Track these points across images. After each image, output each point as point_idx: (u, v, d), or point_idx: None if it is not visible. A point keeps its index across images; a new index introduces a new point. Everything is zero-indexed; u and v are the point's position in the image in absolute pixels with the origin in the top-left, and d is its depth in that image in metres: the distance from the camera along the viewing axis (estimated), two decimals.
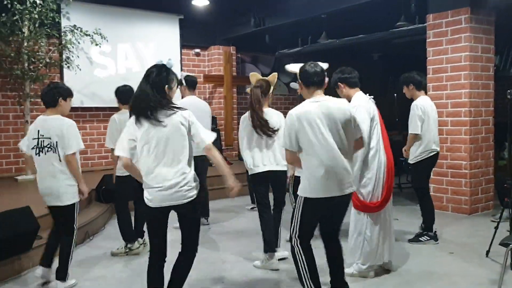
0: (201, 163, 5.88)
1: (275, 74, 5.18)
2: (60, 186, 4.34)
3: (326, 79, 3.83)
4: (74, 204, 4.44)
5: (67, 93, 4.51)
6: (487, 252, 5.06)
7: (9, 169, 9.17)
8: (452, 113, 7.15)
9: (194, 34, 11.39)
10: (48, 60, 8.80)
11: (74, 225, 4.48)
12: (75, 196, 4.44)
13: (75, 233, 4.49)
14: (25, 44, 8.44)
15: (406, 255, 5.23)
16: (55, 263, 4.52)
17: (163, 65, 3.52)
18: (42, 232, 5.13)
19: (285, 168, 5.01)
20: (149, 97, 3.39)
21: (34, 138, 4.37)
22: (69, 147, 4.31)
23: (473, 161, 7.07)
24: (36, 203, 5.12)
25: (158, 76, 3.46)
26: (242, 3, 10.22)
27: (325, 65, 3.92)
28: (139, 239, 5.57)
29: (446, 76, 7.18)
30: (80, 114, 9.49)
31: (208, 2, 10.06)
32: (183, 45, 11.23)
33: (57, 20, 8.73)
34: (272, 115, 4.96)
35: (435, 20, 7.33)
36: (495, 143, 7.51)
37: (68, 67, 9.02)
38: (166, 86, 3.47)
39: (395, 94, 9.89)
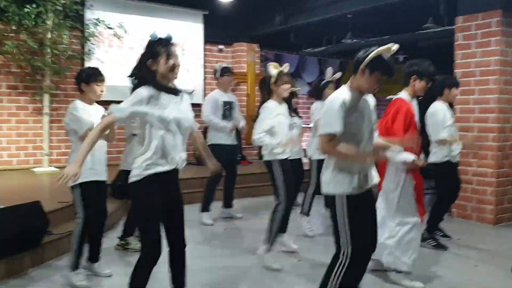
0: None
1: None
2: None
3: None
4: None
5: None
6: None
7: (27, 160, 9.16)
8: (479, 118, 6.91)
9: (218, 30, 11.28)
10: (70, 53, 8.78)
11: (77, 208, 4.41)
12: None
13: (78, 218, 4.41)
14: (49, 36, 8.43)
15: (427, 266, 5.04)
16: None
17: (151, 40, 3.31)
18: (54, 228, 5.06)
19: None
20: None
21: None
22: None
23: (500, 169, 6.83)
24: (49, 197, 5.05)
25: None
26: (268, 1, 10.08)
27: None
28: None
29: (474, 81, 6.95)
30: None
31: None
32: (206, 41, 11.15)
33: (80, 12, 8.70)
34: None
35: (464, 22, 7.09)
36: None
37: (90, 59, 9.00)
38: (150, 60, 3.25)
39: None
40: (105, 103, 4.25)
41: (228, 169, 6.90)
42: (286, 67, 5.07)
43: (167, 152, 3.20)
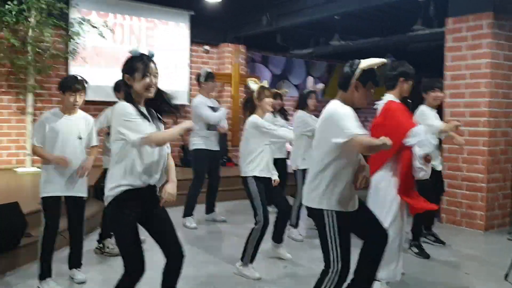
0: None
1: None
2: None
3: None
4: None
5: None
6: (506, 275, 4.73)
7: (9, 160, 8.95)
8: (470, 122, 6.83)
9: (204, 31, 11.14)
10: (53, 52, 8.60)
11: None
12: None
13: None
14: (31, 33, 8.25)
15: (417, 273, 4.92)
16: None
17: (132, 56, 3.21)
18: (33, 230, 4.89)
19: None
20: None
21: None
22: None
23: (490, 174, 6.74)
24: (29, 198, 4.92)
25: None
26: (254, 1, 9.96)
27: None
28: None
29: (465, 84, 6.86)
30: (84, 108, 9.23)
31: None
32: (192, 42, 10.99)
33: (65, 11, 8.54)
34: None
35: (454, 24, 7.01)
36: None
37: (74, 59, 8.83)
38: (126, 75, 3.16)
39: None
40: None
41: (210, 174, 6.98)
42: (265, 83, 5.10)
43: (142, 169, 3.11)
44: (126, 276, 3.13)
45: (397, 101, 4.37)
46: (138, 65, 3.12)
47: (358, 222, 3.35)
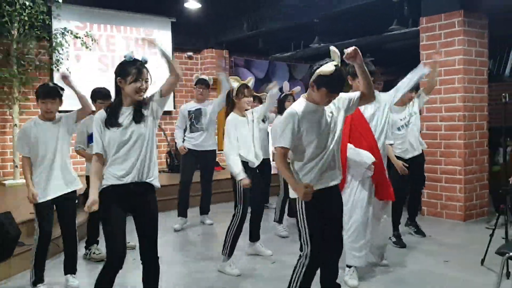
0: None
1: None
2: None
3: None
4: None
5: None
6: (482, 261, 4.95)
7: None
8: (446, 117, 7.07)
9: (187, 37, 11.29)
10: (37, 63, 8.69)
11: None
12: None
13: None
14: (14, 46, 8.33)
15: (399, 262, 5.13)
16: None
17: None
18: (25, 239, 4.99)
19: None
20: None
21: None
22: None
23: (467, 166, 6.99)
24: (21, 208, 4.98)
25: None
26: (235, 7, 10.11)
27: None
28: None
29: (440, 80, 7.08)
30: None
31: (200, 5, 9.95)
32: (175, 48, 11.13)
33: (47, 22, 8.61)
34: None
35: (428, 23, 7.25)
36: (489, 148, 7.44)
37: (58, 70, 8.91)
38: (119, 78, 3.35)
39: None
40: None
41: (201, 175, 7.13)
42: (250, 81, 5.17)
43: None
44: (107, 263, 3.32)
45: None
46: (131, 69, 3.31)
47: (324, 218, 3.45)
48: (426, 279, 4.69)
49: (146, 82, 3.37)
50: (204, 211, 7.23)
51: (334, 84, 3.24)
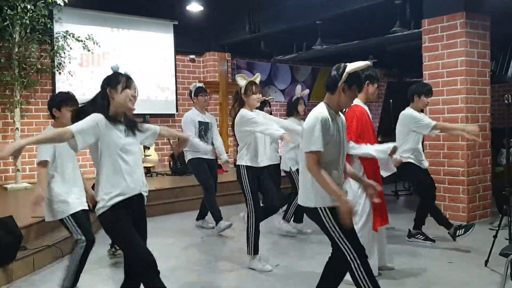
0: None
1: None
2: None
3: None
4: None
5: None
6: (486, 262, 4.94)
7: None
8: (448, 119, 7.05)
9: (189, 40, 11.31)
10: (39, 66, 8.70)
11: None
12: None
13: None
14: (16, 50, 8.34)
15: (402, 264, 5.11)
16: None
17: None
18: (28, 243, 4.98)
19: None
20: None
21: None
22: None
23: (470, 167, 6.97)
24: (23, 213, 4.96)
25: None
26: (237, 9, 10.13)
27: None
28: None
29: (442, 82, 7.08)
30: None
31: (202, 8, 9.96)
32: (177, 51, 11.15)
33: (49, 25, 8.59)
34: None
35: (430, 25, 7.25)
36: (492, 149, 7.42)
37: (60, 73, 8.94)
38: (108, 88, 3.31)
39: (391, 100, 9.85)
40: None
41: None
42: (257, 77, 5.13)
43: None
44: (145, 274, 3.20)
45: (362, 104, 4.57)
46: (120, 78, 3.32)
47: None
48: (430, 281, 4.66)
49: (135, 91, 3.35)
50: (202, 216, 7.18)
51: (362, 79, 3.45)
